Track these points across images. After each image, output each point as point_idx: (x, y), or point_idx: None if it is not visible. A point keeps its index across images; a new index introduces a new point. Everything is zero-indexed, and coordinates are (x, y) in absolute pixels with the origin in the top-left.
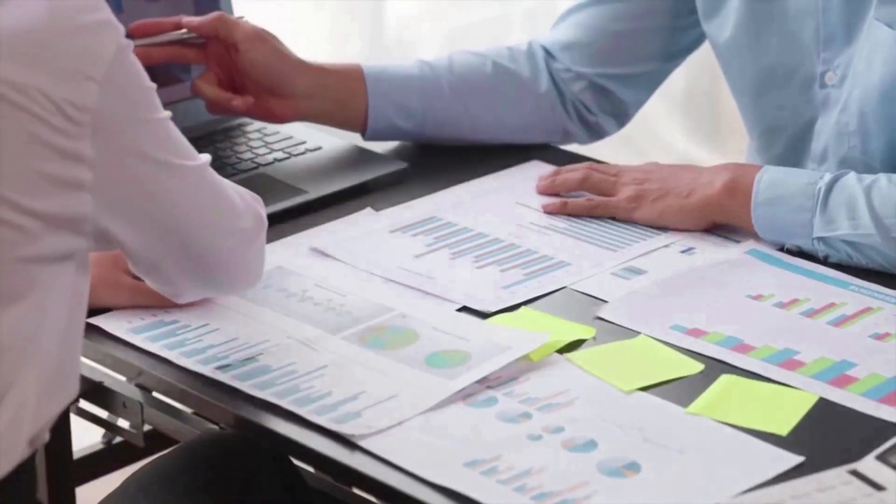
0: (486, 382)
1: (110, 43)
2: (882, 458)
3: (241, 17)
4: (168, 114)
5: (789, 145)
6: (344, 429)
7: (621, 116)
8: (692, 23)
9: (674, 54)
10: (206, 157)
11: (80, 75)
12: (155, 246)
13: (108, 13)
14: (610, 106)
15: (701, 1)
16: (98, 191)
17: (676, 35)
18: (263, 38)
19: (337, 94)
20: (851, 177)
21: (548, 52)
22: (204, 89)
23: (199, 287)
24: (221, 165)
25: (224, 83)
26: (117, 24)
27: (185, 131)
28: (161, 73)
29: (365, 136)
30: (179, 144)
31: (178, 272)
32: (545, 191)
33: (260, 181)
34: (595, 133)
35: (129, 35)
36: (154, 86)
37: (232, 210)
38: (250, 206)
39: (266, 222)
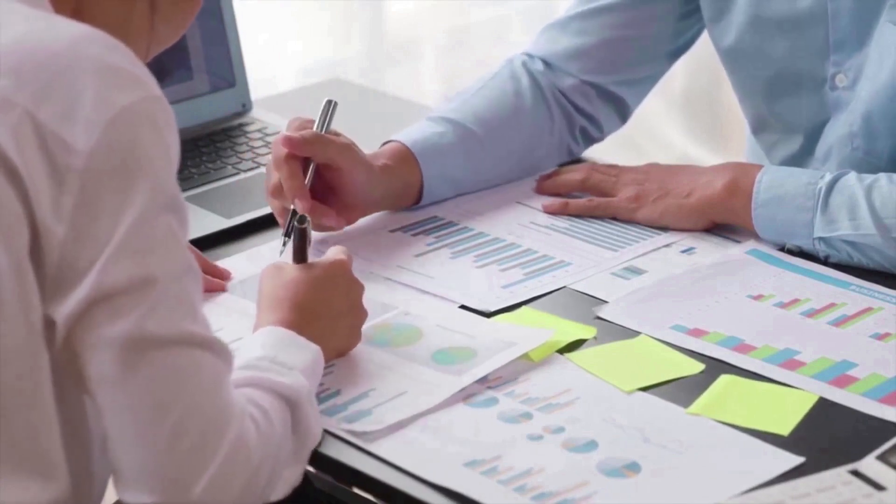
0: (486, 383)
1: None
2: (882, 458)
3: (337, 134)
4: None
5: (799, 147)
6: (356, 427)
7: (624, 117)
8: (696, 20)
9: (678, 51)
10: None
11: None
12: None
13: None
14: (615, 110)
15: (706, 5)
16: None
17: (682, 34)
18: (356, 156)
19: (403, 191)
20: (852, 177)
21: (547, 64)
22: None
23: None
24: (222, 165)
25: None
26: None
27: (186, 132)
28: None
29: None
30: None
31: None
32: (546, 190)
33: (260, 181)
34: (597, 140)
35: None
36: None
37: None
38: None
39: None
